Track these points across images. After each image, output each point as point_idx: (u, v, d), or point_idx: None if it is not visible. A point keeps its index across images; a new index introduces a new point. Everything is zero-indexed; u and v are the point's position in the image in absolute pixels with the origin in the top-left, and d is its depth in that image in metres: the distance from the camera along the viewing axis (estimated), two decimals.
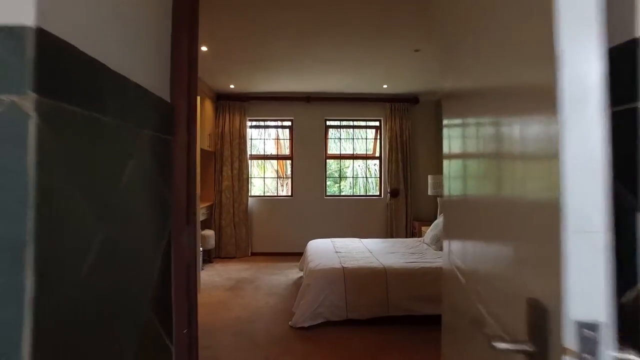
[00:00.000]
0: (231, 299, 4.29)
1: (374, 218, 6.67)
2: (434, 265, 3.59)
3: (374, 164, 7.23)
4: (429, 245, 4.66)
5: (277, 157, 7.15)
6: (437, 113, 6.50)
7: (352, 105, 6.65)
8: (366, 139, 7.18)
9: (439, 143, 6.76)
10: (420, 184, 6.71)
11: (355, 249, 4.45)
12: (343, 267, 3.58)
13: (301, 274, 5.21)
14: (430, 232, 4.82)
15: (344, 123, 6.98)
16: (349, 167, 7.42)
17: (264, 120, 6.82)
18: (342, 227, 6.61)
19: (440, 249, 4.30)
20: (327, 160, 6.81)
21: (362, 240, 5.09)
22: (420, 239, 5.23)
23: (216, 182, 6.41)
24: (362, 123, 7.00)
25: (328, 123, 6.79)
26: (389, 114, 6.59)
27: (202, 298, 4.22)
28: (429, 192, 5.67)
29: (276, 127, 6.98)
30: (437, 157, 6.55)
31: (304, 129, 6.66)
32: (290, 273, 5.41)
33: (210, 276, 5.24)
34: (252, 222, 6.57)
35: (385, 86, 6.07)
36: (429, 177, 5.71)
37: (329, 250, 4.37)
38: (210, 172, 6.45)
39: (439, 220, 4.89)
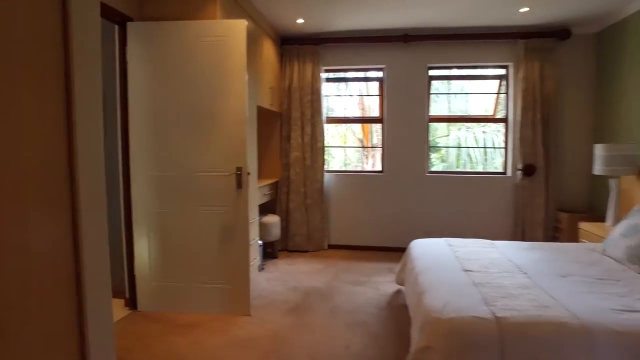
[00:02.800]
0: (293, 334, 2.81)
1: (496, 205, 4.76)
2: None
3: (496, 129, 5.25)
4: (620, 263, 2.74)
5: (363, 120, 5.45)
6: (602, 52, 4.31)
7: (467, 45, 4.68)
8: (487, 94, 5.19)
9: (603, 97, 4.39)
10: (569, 157, 4.63)
11: (493, 264, 2.69)
12: (497, 318, 1.87)
13: (398, 287, 3.59)
14: (620, 238, 2.87)
15: (454, 73, 5.04)
16: (454, 132, 5.52)
17: (344, 70, 5.13)
18: (451, 216, 4.81)
19: None
20: (430, 124, 4.96)
21: (495, 243, 3.29)
22: (591, 245, 3.28)
23: (282, 152, 4.93)
24: (481, 72, 4.99)
25: (431, 73, 4.91)
26: (522, 56, 4.52)
27: (251, 327, 2.80)
28: (597, 171, 3.64)
29: (360, 79, 5.25)
30: (600, 118, 4.39)
31: (399, 81, 4.86)
32: (381, 283, 3.81)
33: (270, 282, 3.83)
34: (329, 206, 5.03)
35: (524, 10, 4.02)
36: (597, 147, 3.67)
37: (449, 265, 2.67)
38: (274, 138, 4.97)
39: None
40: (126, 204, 3.09)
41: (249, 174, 2.98)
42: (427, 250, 3.06)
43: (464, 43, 4.68)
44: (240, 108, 2.91)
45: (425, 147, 4.87)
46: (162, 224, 3.06)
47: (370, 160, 5.84)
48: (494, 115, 5.10)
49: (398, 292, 3.57)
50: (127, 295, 3.16)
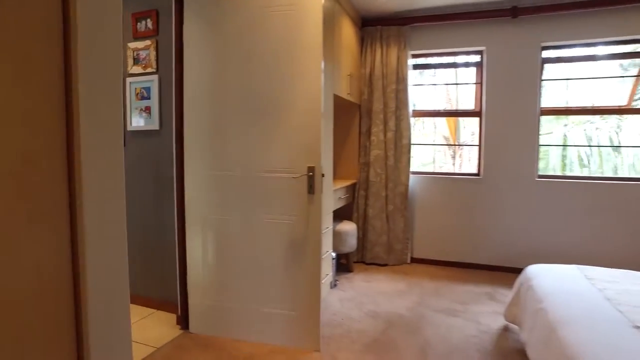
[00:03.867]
0: None
1: (637, 222, 3.72)
2: None
3: (618, 123, 4.19)
4: None
5: (455, 113, 4.65)
6: None
7: (591, 16, 3.69)
8: (620, 77, 4.13)
9: None
10: None
11: None
12: None
13: (507, 323, 2.82)
14: None
15: (575, 52, 4.05)
16: (558, 128, 4.51)
17: (434, 55, 4.37)
18: (572, 232, 3.86)
19: None
20: (542, 117, 4.03)
21: None
22: None
23: (361, 149, 4.32)
24: (611, 49, 3.95)
25: (545, 54, 3.98)
26: None
27: None
28: None
29: (448, 65, 4.46)
30: None
31: (503, 66, 4.01)
32: (481, 315, 3.05)
33: (344, 304, 3.24)
34: (414, 213, 4.33)
35: None
36: None
37: (605, 315, 1.86)
38: (351, 134, 4.37)
39: None
40: (179, 206, 2.68)
41: (323, 175, 2.41)
42: (557, 285, 2.26)
43: (587, 13, 3.69)
44: (314, 95, 2.35)
45: (534, 145, 3.96)
46: (219, 233, 2.61)
47: (458, 161, 5.04)
48: (628, 105, 4.04)
49: (506, 329, 2.79)
50: (178, 312, 2.76)
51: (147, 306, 3.12)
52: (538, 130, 3.95)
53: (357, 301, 3.29)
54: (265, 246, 2.51)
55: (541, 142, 4.03)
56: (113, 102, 1.22)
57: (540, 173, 4.06)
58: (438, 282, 3.77)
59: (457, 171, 4.80)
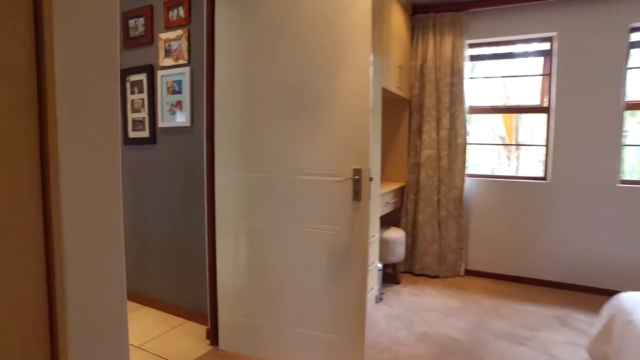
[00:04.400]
0: None
1: None
2: None
3: None
4: None
5: (519, 109, 4.14)
6: None
7: None
8: None
9: None
10: None
11: None
12: None
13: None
14: None
15: None
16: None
17: (494, 45, 3.89)
18: None
19: None
20: (626, 113, 3.46)
21: None
22: None
23: (411, 149, 3.93)
24: None
25: (634, 37, 3.40)
26: None
27: None
28: None
29: (505, 56, 3.95)
30: None
31: (578, 54, 3.48)
32: (554, 345, 2.59)
33: (391, 322, 2.88)
34: (469, 220, 3.88)
35: None
36: None
37: None
38: (401, 131, 3.99)
39: None
40: (210, 210, 2.44)
41: (371, 179, 2.07)
42: None
43: None
44: (362, 88, 2.01)
45: (616, 145, 3.40)
46: (252, 241, 2.33)
47: (514, 162, 4.52)
48: None
49: None
50: (208, 325, 2.52)
51: (177, 315, 2.91)
52: (621, 128, 3.39)
53: (405, 319, 2.92)
54: (303, 258, 2.20)
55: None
56: (104, 94, 0.96)
57: (629, 178, 3.49)
58: (497, 299, 3.32)
59: (514, 174, 4.29)
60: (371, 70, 2.01)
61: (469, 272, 3.87)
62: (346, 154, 2.06)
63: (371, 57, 2.01)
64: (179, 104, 2.69)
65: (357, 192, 2.03)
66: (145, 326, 2.77)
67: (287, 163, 2.20)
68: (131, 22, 2.90)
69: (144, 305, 3.09)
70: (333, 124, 2.08)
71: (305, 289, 2.21)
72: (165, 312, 2.96)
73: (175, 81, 2.68)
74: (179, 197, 2.79)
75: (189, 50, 2.60)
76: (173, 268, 2.90)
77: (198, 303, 2.74)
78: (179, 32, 2.62)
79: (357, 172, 2.03)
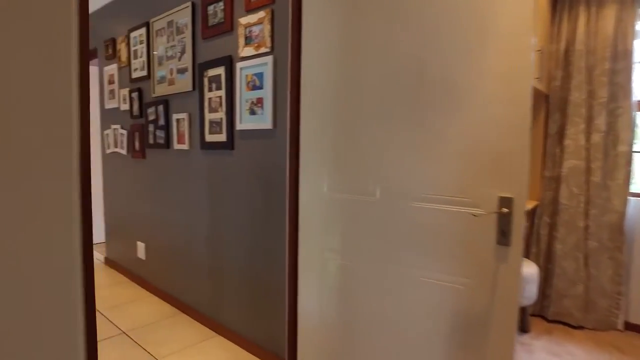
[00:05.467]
0: None
1: None
2: None
3: None
4: None
5: None
6: None
7: None
8: None
9: None
10: None
11: None
12: None
13: None
14: None
15: None
16: None
17: None
18: None
19: None
20: None
21: None
22: None
23: (547, 158, 3.04)
24: None
25: None
26: None
27: None
28: None
29: None
30: None
31: None
32: None
33: None
34: (632, 256, 2.88)
35: None
36: None
37: None
38: (533, 135, 3.12)
39: None
40: (292, 236, 1.90)
41: (527, 212, 1.36)
42: None
43: None
44: (520, 68, 1.31)
45: None
46: (344, 283, 1.74)
47: None
48: None
49: None
50: None
51: (251, 352, 2.45)
52: None
53: None
54: (414, 318, 1.56)
55: None
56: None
57: None
58: None
59: None
60: (532, 55, 1.30)
61: (630, 327, 2.88)
62: (489, 172, 1.37)
63: (533, 42, 1.29)
64: (259, 102, 2.21)
65: (505, 233, 1.33)
66: None
67: (398, 183, 1.57)
68: (210, 9, 2.50)
69: (218, 334, 2.69)
70: (469, 125, 1.41)
71: (418, 358, 1.56)
72: (239, 345, 2.52)
73: (255, 74, 2.21)
74: (258, 214, 2.32)
75: (272, 36, 2.10)
76: (249, 296, 2.45)
77: (276, 343, 2.24)
78: (261, 13, 2.13)
79: (506, 202, 1.33)
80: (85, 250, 0.91)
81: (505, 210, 1.33)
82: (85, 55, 0.87)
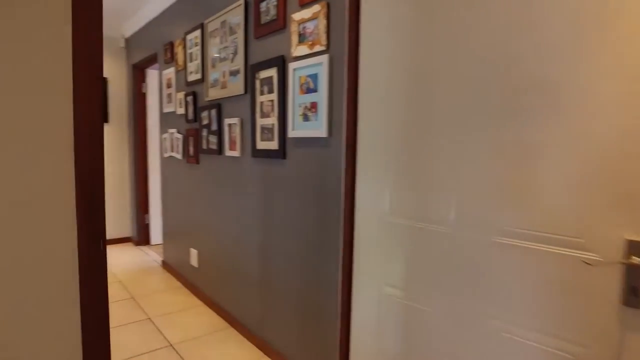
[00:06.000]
0: None
1: None
2: None
3: None
4: None
5: None
6: None
7: None
8: None
9: None
10: None
11: None
12: None
13: None
14: None
15: None
16: None
17: None
18: None
19: None
20: None
21: None
22: None
23: None
24: None
25: None
26: None
27: None
28: None
29: None
30: None
31: None
32: None
33: None
34: None
35: None
36: None
37: None
38: None
39: None
40: (346, 261, 1.64)
41: None
42: None
43: None
44: None
45: None
46: (406, 326, 1.45)
47: None
48: None
49: None
50: None
51: None
52: None
53: None
54: None
55: None
56: None
57: None
58: None
59: None
60: None
61: None
62: (609, 205, 1.02)
63: None
64: (313, 107, 1.97)
65: (637, 291, 0.97)
66: None
67: (476, 211, 1.25)
68: (262, 5, 2.30)
69: (265, 354, 2.51)
70: (580, 140, 1.06)
71: None
72: None
73: (309, 75, 1.97)
74: (311, 231, 2.08)
75: (327, 32, 1.85)
76: (298, 318, 2.23)
77: None
78: (316, 7, 1.89)
79: (637, 248, 0.97)
80: (85, 250, 0.91)
81: (636, 260, 0.97)
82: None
